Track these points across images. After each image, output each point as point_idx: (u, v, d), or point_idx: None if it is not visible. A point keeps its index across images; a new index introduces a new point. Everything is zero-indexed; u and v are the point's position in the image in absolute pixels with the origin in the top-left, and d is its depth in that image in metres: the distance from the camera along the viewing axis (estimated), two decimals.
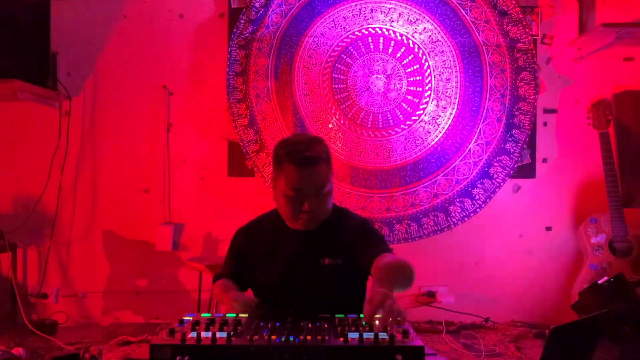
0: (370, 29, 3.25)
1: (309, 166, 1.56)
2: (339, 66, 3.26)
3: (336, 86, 3.26)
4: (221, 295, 1.62)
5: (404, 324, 1.20)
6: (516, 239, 3.41)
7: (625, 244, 3.05)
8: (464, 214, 3.21)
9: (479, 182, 3.21)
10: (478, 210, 3.21)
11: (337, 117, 3.25)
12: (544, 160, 3.40)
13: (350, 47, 3.25)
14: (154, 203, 3.42)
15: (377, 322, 1.19)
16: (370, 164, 3.24)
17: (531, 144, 3.33)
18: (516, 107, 3.22)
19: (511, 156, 3.21)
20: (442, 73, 3.24)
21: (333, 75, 3.26)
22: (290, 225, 1.66)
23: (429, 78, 3.25)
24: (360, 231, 1.68)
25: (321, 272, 1.64)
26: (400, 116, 3.26)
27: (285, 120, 3.24)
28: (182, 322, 1.35)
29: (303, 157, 1.56)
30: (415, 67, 3.25)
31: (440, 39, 3.24)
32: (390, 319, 1.19)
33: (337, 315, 1.38)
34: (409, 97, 3.26)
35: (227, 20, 3.35)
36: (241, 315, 1.43)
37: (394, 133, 3.26)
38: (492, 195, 3.22)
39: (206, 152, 3.42)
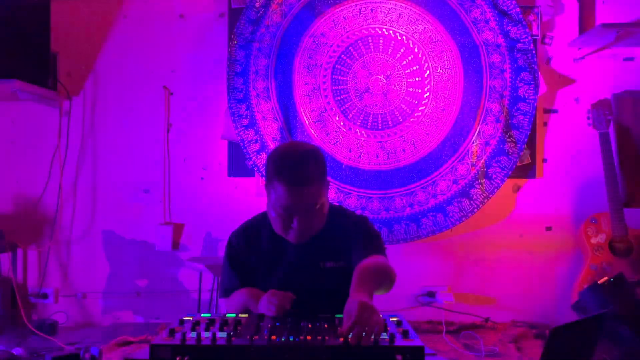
0: (370, 29, 3.25)
1: (299, 187, 1.50)
2: (339, 67, 3.26)
3: (336, 87, 3.26)
4: (250, 299, 1.57)
5: (379, 336, 1.19)
6: (516, 239, 3.41)
7: (625, 244, 3.05)
8: (462, 214, 3.21)
9: (476, 182, 3.21)
10: (475, 210, 3.21)
11: (337, 118, 3.25)
12: (544, 160, 3.40)
13: (350, 48, 3.25)
14: (154, 203, 3.42)
15: (351, 335, 1.17)
16: (369, 165, 3.24)
17: (531, 144, 3.32)
18: (515, 107, 3.22)
19: (510, 157, 3.21)
20: (442, 74, 3.24)
21: (333, 76, 3.26)
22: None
23: (429, 79, 3.25)
24: (356, 231, 1.66)
25: (324, 276, 1.62)
26: (400, 117, 3.26)
27: (286, 120, 3.24)
28: (182, 322, 1.35)
29: (293, 178, 1.50)
30: (414, 68, 3.25)
31: (440, 39, 3.24)
32: (365, 333, 1.17)
33: (337, 315, 1.38)
34: (409, 98, 3.26)
35: (227, 20, 3.35)
36: (241, 315, 1.43)
37: (393, 134, 3.26)
38: (490, 195, 3.22)
39: (206, 152, 3.42)
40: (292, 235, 1.58)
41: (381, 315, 1.28)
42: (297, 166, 1.52)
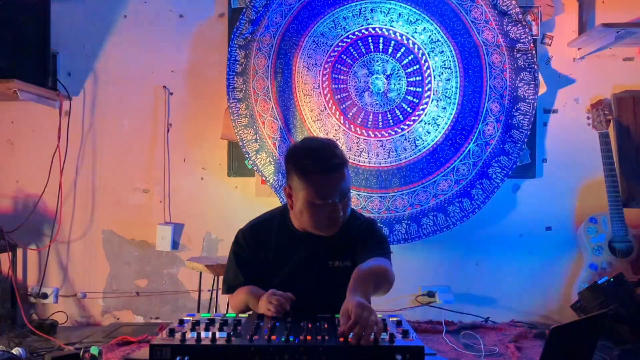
0: (370, 29, 3.25)
1: (337, 173, 1.56)
2: (339, 66, 3.26)
3: (336, 86, 3.26)
4: (251, 298, 1.58)
5: (379, 336, 1.19)
6: (516, 239, 3.41)
7: (625, 244, 3.05)
8: (463, 214, 3.21)
9: (477, 182, 3.22)
10: (476, 210, 3.21)
11: (337, 116, 3.25)
12: (544, 160, 3.41)
13: (350, 48, 3.25)
14: (154, 203, 3.42)
15: (351, 336, 1.18)
16: (370, 164, 3.24)
17: (531, 144, 3.33)
18: (515, 107, 3.22)
19: (510, 157, 3.21)
20: (442, 73, 3.24)
21: (333, 75, 3.26)
22: (316, 232, 1.63)
23: (429, 78, 3.25)
24: (363, 234, 1.67)
25: (330, 274, 1.63)
26: (400, 116, 3.26)
27: (285, 119, 3.24)
28: (182, 322, 1.35)
29: (331, 164, 1.55)
30: (415, 68, 3.25)
31: (440, 39, 3.24)
32: (365, 333, 1.17)
33: (337, 315, 1.38)
34: (409, 98, 3.26)
35: (227, 20, 3.35)
36: (241, 315, 1.43)
37: (393, 133, 3.26)
38: (491, 195, 3.22)
39: (206, 152, 3.42)
40: (331, 226, 1.61)
41: (379, 316, 1.28)
42: (330, 154, 1.57)
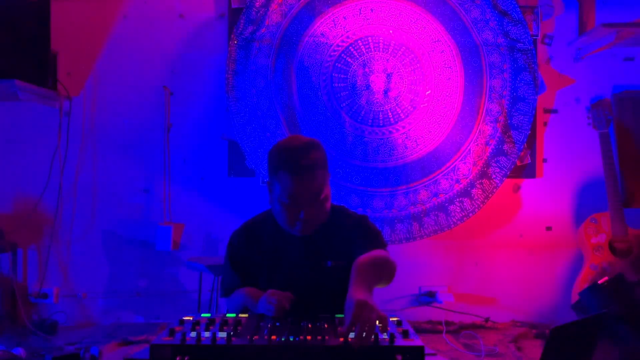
0: (370, 29, 3.25)
1: (305, 174, 1.53)
2: (339, 65, 3.26)
3: (336, 85, 3.26)
4: (249, 299, 1.57)
5: (385, 331, 1.19)
6: (516, 239, 3.41)
7: (625, 244, 3.05)
8: (464, 213, 3.21)
9: (477, 182, 3.22)
10: (476, 210, 3.21)
11: (337, 115, 3.25)
12: (544, 160, 3.40)
13: (350, 47, 3.25)
14: (154, 203, 3.42)
15: (353, 335, 1.17)
16: (371, 163, 3.24)
17: (531, 144, 3.33)
18: (515, 107, 3.22)
19: (508, 157, 3.22)
20: (442, 73, 3.24)
21: (333, 74, 3.26)
22: (289, 230, 1.63)
23: (429, 78, 3.25)
24: (357, 230, 1.66)
25: (325, 274, 1.62)
26: (401, 115, 3.26)
27: (285, 118, 3.24)
28: (182, 322, 1.35)
29: (299, 165, 1.52)
30: (415, 67, 3.25)
31: (440, 38, 3.24)
32: (367, 332, 1.16)
33: (337, 315, 1.38)
34: (410, 96, 3.26)
35: (227, 20, 3.35)
36: (241, 315, 1.43)
37: (395, 131, 3.26)
38: (490, 195, 3.22)
39: (206, 152, 3.42)
40: (298, 227, 1.59)
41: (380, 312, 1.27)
42: (302, 155, 1.54)
